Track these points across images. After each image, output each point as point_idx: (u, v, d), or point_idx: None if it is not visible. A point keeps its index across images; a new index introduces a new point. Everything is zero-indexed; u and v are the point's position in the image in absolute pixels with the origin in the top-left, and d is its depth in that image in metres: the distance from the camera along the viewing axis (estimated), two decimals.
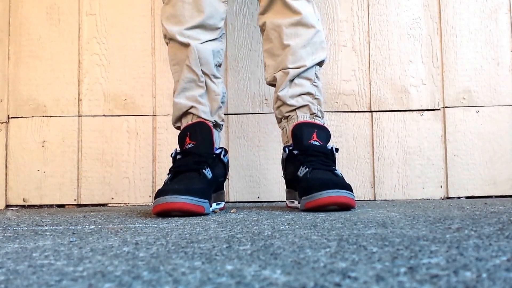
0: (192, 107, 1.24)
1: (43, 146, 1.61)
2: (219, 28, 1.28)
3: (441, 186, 1.57)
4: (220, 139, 1.33)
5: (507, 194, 1.56)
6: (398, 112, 1.60)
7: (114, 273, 0.45)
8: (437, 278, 0.39)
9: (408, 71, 1.61)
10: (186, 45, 1.24)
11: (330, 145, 1.23)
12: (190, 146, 1.18)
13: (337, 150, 1.23)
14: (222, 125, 1.32)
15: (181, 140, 1.22)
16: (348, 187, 1.08)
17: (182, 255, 0.54)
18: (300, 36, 1.27)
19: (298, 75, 1.26)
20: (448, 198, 1.57)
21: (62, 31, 1.64)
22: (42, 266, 0.50)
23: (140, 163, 1.60)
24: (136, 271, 0.46)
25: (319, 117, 1.28)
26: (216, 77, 1.28)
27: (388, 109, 1.60)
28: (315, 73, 1.29)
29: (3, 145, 1.62)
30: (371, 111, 1.60)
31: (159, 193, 1.05)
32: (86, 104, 1.62)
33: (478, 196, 1.57)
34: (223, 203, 1.27)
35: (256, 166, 1.59)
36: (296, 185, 1.18)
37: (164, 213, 1.05)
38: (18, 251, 0.61)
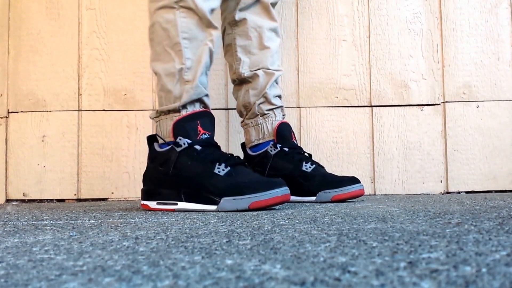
0: (206, 95, 1.14)
1: (43, 141, 1.61)
2: None
3: (441, 181, 1.57)
4: None
5: (507, 189, 1.57)
6: (398, 107, 1.60)
7: (114, 268, 0.45)
8: (437, 273, 0.39)
9: (408, 65, 1.61)
10: (212, 27, 1.13)
11: None
12: (206, 136, 1.09)
13: None
14: None
15: (190, 127, 1.09)
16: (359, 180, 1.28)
17: (182, 250, 0.54)
18: (275, 42, 1.37)
19: (276, 79, 1.36)
20: (448, 193, 1.57)
21: (62, 26, 1.63)
22: (42, 260, 0.50)
23: (140, 157, 1.60)
24: (136, 266, 0.46)
25: (284, 118, 1.40)
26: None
27: (388, 104, 1.60)
28: None
29: (3, 140, 1.62)
30: (371, 106, 1.60)
31: (257, 187, 1.00)
32: (86, 99, 1.62)
33: (478, 191, 1.57)
34: None
35: None
36: (299, 180, 1.28)
37: (271, 206, 1.02)
38: (18, 245, 0.61)
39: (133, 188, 1.59)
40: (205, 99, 1.13)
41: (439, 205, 1.03)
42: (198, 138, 1.08)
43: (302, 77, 1.62)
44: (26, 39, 1.64)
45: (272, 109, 1.36)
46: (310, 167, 1.29)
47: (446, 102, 1.60)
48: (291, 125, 1.38)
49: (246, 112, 1.38)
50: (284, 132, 1.34)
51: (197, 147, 1.07)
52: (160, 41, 1.13)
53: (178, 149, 1.07)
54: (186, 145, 1.07)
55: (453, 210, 0.90)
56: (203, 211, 1.03)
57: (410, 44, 1.61)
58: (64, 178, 1.60)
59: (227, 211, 1.00)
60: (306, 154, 1.35)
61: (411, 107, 1.60)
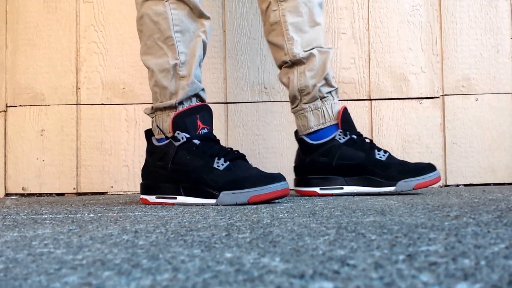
0: (202, 89, 1.12)
1: (41, 135, 1.61)
2: None
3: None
4: None
5: (506, 182, 1.57)
6: (398, 100, 1.60)
7: (114, 261, 0.45)
8: (435, 266, 0.39)
9: (407, 58, 1.61)
10: (204, 17, 1.12)
11: None
12: (205, 131, 1.08)
13: None
14: None
15: (190, 121, 1.08)
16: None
17: (181, 243, 0.54)
18: (322, 18, 1.28)
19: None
20: (447, 185, 1.58)
21: (60, 19, 1.63)
22: (42, 254, 0.51)
23: (139, 151, 1.60)
24: (135, 259, 0.46)
25: None
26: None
27: (387, 97, 1.60)
28: None
29: (1, 134, 1.61)
30: (371, 99, 1.60)
31: (256, 181, 1.00)
32: (85, 93, 1.61)
33: (477, 184, 1.57)
34: None
35: (255, 155, 1.59)
36: (372, 169, 1.21)
37: (271, 200, 1.01)
38: (17, 239, 0.61)
39: (133, 182, 1.60)
40: (201, 93, 1.12)
41: (438, 198, 1.04)
42: (197, 132, 1.07)
43: None
44: (24, 33, 1.63)
45: (330, 92, 1.27)
46: (384, 155, 1.22)
47: (445, 95, 1.60)
48: None
49: (301, 96, 1.27)
50: (348, 117, 1.26)
51: (196, 141, 1.06)
52: (150, 34, 1.11)
53: (176, 144, 1.06)
54: (185, 139, 1.06)
55: (451, 203, 0.90)
56: (203, 205, 1.03)
57: (409, 37, 1.61)
58: (63, 172, 1.60)
59: (226, 205, 1.00)
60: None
61: (410, 100, 1.60)
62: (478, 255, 0.43)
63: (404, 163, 1.22)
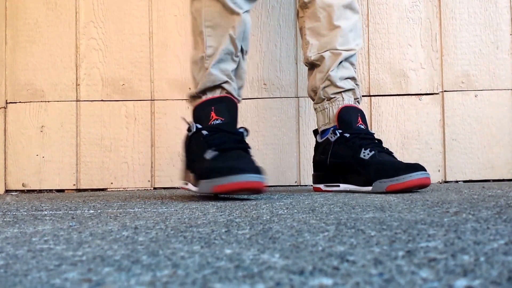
0: (226, 81, 1.15)
1: (41, 131, 1.61)
2: None
3: (439, 170, 1.58)
4: None
5: (505, 178, 1.57)
6: (397, 96, 1.60)
7: (114, 258, 0.46)
8: (435, 262, 0.39)
9: (407, 55, 1.60)
10: (235, 13, 1.15)
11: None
12: (218, 122, 1.10)
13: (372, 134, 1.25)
14: None
15: (204, 113, 1.11)
16: (424, 168, 1.12)
17: (181, 240, 0.54)
18: (348, 19, 1.28)
19: (346, 59, 1.27)
20: (446, 182, 1.58)
21: (59, 15, 1.63)
22: (42, 250, 0.51)
23: (139, 148, 1.60)
24: (135, 255, 0.46)
25: (359, 102, 1.31)
26: (246, 54, 1.22)
27: (386, 93, 1.60)
28: (355, 58, 1.31)
29: (1, 130, 1.61)
30: (370, 96, 1.60)
31: (231, 170, 0.96)
32: (84, 89, 1.61)
33: (476, 180, 1.57)
34: None
35: (254, 151, 1.58)
36: (356, 168, 1.18)
37: (236, 192, 0.99)
38: (17, 235, 0.62)
39: (132, 178, 1.60)
40: (225, 85, 1.15)
41: (437, 194, 1.04)
42: (209, 123, 1.10)
43: (300, 66, 1.61)
44: (23, 29, 1.63)
45: (339, 92, 1.27)
46: (368, 154, 1.17)
47: (445, 91, 1.60)
48: (361, 109, 1.28)
49: (313, 96, 1.32)
50: (346, 116, 1.24)
51: (204, 132, 1.08)
52: (193, 29, 1.20)
53: (189, 134, 1.11)
54: (195, 129, 1.10)
55: (451, 199, 0.90)
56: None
57: (409, 33, 1.61)
58: (63, 168, 1.60)
59: (204, 194, 1.04)
60: (376, 140, 1.23)
61: (409, 96, 1.60)
62: (478, 251, 0.43)
63: (385, 162, 1.15)
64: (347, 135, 1.22)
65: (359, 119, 1.25)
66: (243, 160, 1.02)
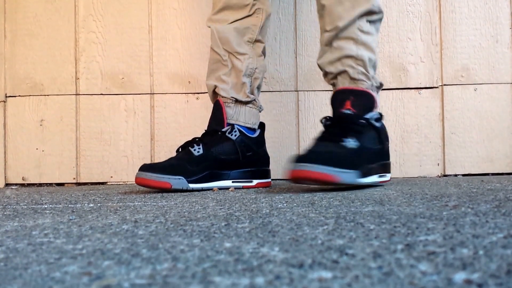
0: (216, 86, 1.27)
1: (41, 125, 1.61)
2: (247, 5, 1.25)
3: (438, 164, 1.58)
4: (252, 115, 1.31)
5: (504, 172, 1.57)
6: (396, 90, 1.60)
7: (114, 251, 0.46)
8: (434, 255, 0.40)
9: (406, 48, 1.60)
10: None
11: (374, 112, 1.13)
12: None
13: (379, 117, 1.14)
14: (253, 100, 1.29)
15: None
16: (338, 162, 0.99)
17: (181, 233, 0.54)
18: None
19: (336, 37, 1.14)
20: (445, 175, 1.58)
21: (58, 9, 1.62)
22: (42, 244, 0.51)
23: (139, 141, 1.60)
24: (135, 249, 0.46)
25: (364, 80, 1.14)
26: (240, 54, 1.26)
27: (386, 87, 1.59)
28: (359, 29, 1.13)
29: (1, 124, 1.61)
30: None
31: (148, 167, 1.18)
32: (84, 83, 1.61)
33: (475, 174, 1.57)
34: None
35: None
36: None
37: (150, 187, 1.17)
38: (17, 229, 0.62)
39: (132, 172, 1.60)
40: (216, 90, 1.29)
41: (436, 188, 1.04)
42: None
43: (300, 60, 1.61)
44: (23, 23, 1.62)
45: (335, 77, 1.18)
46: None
47: (444, 85, 1.60)
48: (348, 89, 1.14)
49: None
50: (332, 103, 1.16)
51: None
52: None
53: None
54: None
55: (450, 193, 0.90)
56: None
57: (408, 26, 1.60)
58: (63, 162, 1.60)
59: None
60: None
61: (409, 90, 1.60)
62: (477, 244, 0.43)
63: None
64: (328, 123, 1.12)
65: (348, 102, 1.10)
66: (174, 158, 1.29)
